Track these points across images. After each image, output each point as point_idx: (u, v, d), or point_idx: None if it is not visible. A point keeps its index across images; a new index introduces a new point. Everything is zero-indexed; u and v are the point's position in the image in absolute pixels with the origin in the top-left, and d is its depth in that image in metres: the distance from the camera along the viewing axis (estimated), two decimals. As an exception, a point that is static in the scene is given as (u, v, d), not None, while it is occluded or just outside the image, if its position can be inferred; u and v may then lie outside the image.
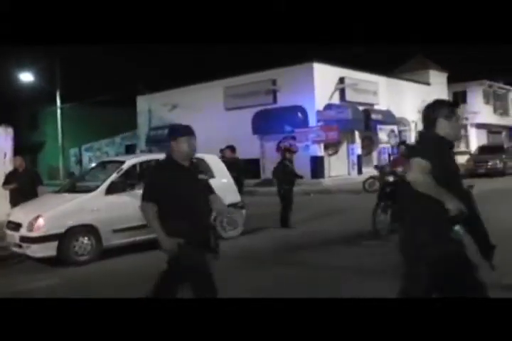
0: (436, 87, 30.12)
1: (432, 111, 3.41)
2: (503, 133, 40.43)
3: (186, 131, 3.97)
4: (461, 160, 26.52)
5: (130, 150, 31.28)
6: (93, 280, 6.68)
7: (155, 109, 28.09)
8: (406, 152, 8.91)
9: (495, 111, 38.52)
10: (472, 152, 26.75)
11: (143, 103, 29.12)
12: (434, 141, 3.32)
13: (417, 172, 3.17)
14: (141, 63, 48.23)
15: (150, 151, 26.06)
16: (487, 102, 37.16)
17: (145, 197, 3.90)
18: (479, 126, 36.24)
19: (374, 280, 5.71)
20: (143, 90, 28.44)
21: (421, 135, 3.82)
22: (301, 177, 10.87)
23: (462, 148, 34.29)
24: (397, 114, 25.35)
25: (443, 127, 3.32)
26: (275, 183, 10.70)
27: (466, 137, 35.68)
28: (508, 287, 5.01)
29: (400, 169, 8.79)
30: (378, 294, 3.79)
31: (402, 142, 11.12)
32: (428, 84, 29.62)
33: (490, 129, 38.11)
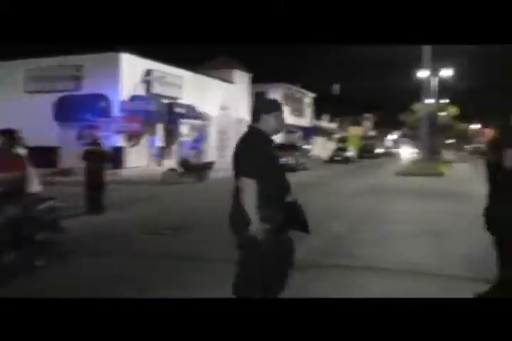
0: (240, 86, 32.05)
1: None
2: (298, 133, 44.38)
3: (280, 106, 3.76)
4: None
5: None
6: None
7: None
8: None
9: (292, 112, 42.15)
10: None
11: None
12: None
13: None
14: None
15: None
16: (286, 104, 40.53)
17: (249, 173, 3.46)
18: (277, 125, 39.21)
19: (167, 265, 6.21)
20: None
21: None
22: None
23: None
24: (200, 109, 26.50)
25: None
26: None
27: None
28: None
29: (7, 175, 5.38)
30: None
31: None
32: (231, 82, 31.35)
33: (287, 129, 41.60)
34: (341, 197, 13.64)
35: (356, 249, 6.92)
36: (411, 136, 47.36)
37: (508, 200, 3.86)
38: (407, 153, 55.05)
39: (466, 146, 70.73)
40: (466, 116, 50.09)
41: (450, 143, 60.75)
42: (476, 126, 71.90)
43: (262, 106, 3.74)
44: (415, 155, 40.66)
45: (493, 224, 4.06)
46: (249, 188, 3.43)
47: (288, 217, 3.56)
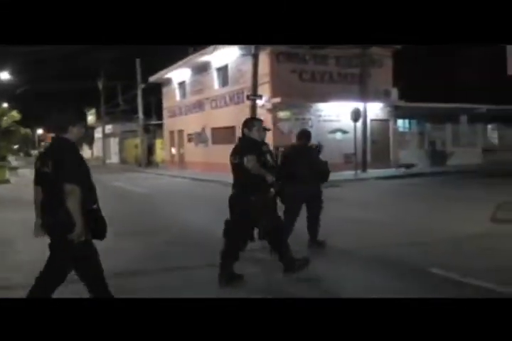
0: None
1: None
2: None
3: (84, 117, 4.40)
4: None
5: None
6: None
7: None
8: None
9: None
10: None
11: None
12: None
13: None
14: None
15: None
16: None
17: (73, 179, 3.71)
18: None
19: None
20: None
21: None
22: None
23: None
24: None
25: None
26: None
27: None
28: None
29: None
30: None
31: None
32: None
33: None
34: None
35: None
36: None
37: (245, 192, 5.14)
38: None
39: (33, 151, 70.36)
40: (29, 121, 49.42)
41: (16, 149, 59.36)
42: (41, 131, 72.32)
43: (68, 118, 4.01)
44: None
45: (234, 209, 5.23)
46: (75, 194, 3.68)
47: (91, 222, 3.85)
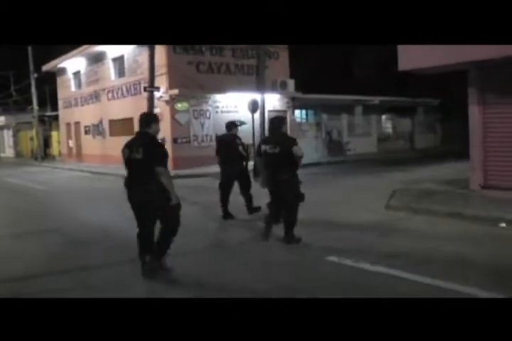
0: None
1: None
2: None
3: (159, 117, 5.71)
4: None
5: None
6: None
7: None
8: None
9: None
10: None
11: None
12: None
13: None
14: None
15: None
16: None
17: (162, 163, 5.03)
18: None
19: None
20: None
21: None
22: None
23: None
24: None
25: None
26: None
27: None
28: None
29: None
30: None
31: None
32: None
33: None
34: None
35: None
36: None
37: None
38: None
39: None
40: None
41: None
42: None
43: (152, 118, 5.45)
44: None
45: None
46: (167, 173, 5.04)
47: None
